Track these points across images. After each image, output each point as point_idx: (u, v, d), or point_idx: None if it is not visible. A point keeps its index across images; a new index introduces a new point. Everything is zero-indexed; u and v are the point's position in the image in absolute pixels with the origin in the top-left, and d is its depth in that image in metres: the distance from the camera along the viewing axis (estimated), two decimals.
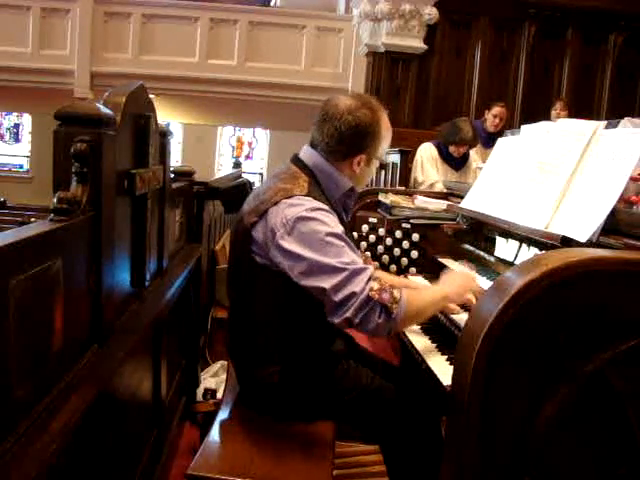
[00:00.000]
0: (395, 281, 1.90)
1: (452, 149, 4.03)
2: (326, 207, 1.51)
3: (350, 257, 1.43)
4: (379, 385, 1.65)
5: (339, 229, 1.47)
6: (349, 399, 1.62)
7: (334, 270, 1.40)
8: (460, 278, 1.73)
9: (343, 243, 1.45)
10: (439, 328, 1.82)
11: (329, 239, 1.43)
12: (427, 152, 4.19)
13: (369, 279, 1.41)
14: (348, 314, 1.39)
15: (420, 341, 1.77)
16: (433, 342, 1.76)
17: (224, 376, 2.54)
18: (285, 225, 1.46)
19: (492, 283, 1.12)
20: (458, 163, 4.11)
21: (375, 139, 1.59)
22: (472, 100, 6.40)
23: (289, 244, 1.45)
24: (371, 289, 1.38)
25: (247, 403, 1.69)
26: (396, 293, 1.41)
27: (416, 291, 1.61)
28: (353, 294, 1.38)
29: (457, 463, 1.06)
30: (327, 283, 1.40)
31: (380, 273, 1.94)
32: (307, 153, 1.63)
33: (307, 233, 1.44)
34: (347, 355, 1.74)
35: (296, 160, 1.64)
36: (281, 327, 1.59)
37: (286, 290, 1.52)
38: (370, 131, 1.57)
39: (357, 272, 1.40)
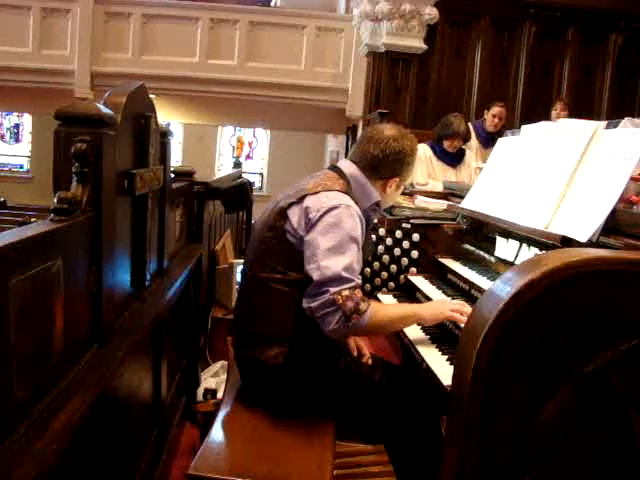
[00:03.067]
0: None
1: (447, 144, 4.03)
2: (359, 211, 1.63)
3: (350, 262, 1.53)
4: (380, 381, 1.67)
5: (360, 235, 1.59)
6: (351, 391, 1.64)
7: (327, 269, 1.50)
8: (441, 301, 1.90)
9: (356, 249, 1.56)
10: (440, 328, 1.82)
11: (346, 239, 1.54)
12: (419, 153, 4.17)
13: (348, 288, 1.50)
14: (313, 305, 1.51)
15: (420, 341, 1.77)
16: (433, 342, 1.76)
17: (224, 376, 2.54)
18: (319, 210, 1.57)
19: (492, 283, 1.12)
20: (454, 160, 4.11)
21: (410, 167, 1.79)
22: (472, 100, 6.40)
23: (313, 227, 1.56)
24: (339, 293, 1.49)
25: (249, 396, 1.69)
26: (362, 306, 1.51)
27: (386, 306, 1.77)
28: (326, 291, 1.50)
29: (457, 463, 1.06)
30: (316, 275, 1.51)
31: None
32: (346, 164, 1.77)
33: (332, 224, 1.55)
34: (350, 352, 1.75)
35: (334, 168, 1.77)
36: (295, 306, 1.60)
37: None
38: (408, 160, 1.76)
39: (344, 280, 1.50)
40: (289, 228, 1.60)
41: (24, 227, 1.16)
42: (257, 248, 1.70)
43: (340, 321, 1.49)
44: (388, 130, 1.76)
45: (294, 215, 1.60)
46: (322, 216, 1.55)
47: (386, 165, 1.73)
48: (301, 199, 1.61)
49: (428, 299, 2.06)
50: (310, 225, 1.56)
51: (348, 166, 1.75)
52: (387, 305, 1.70)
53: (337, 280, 1.49)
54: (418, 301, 2.19)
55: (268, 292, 1.63)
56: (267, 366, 1.61)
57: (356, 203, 1.66)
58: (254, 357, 1.65)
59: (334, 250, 1.52)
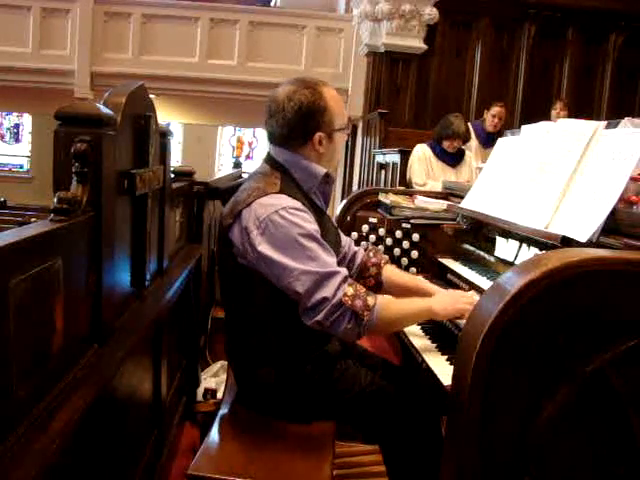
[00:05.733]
0: (407, 280, 1.89)
1: (446, 144, 4.05)
2: (299, 205, 1.51)
3: (322, 259, 1.45)
4: (378, 385, 1.65)
5: (313, 228, 1.48)
6: (348, 399, 1.62)
7: (305, 274, 1.42)
8: (451, 294, 1.72)
9: (315, 244, 1.46)
10: (439, 328, 1.82)
11: (301, 240, 1.45)
12: (418, 153, 4.21)
13: (341, 282, 1.44)
14: (318, 318, 1.43)
15: (420, 341, 1.77)
16: (433, 342, 1.76)
17: (224, 376, 2.54)
18: (258, 227, 1.47)
19: (492, 283, 1.12)
20: (454, 160, 4.12)
21: (324, 114, 1.57)
22: (472, 100, 6.41)
23: (262, 246, 1.46)
24: (345, 294, 1.42)
25: (246, 403, 1.69)
26: (370, 300, 1.44)
27: (396, 301, 1.59)
28: (324, 299, 1.42)
29: (457, 463, 1.06)
30: (299, 287, 1.42)
31: (394, 270, 1.91)
32: (274, 150, 1.64)
33: (278, 235, 1.45)
34: (345, 355, 1.74)
35: (269, 159, 1.65)
36: (274, 327, 1.58)
37: (273, 290, 1.51)
38: (315, 108, 1.55)
39: (328, 276, 1.43)
40: (237, 252, 1.53)
41: (24, 227, 1.16)
42: (221, 272, 1.66)
43: (352, 322, 1.43)
44: (282, 91, 1.57)
45: (236, 238, 1.52)
46: (264, 232, 1.45)
47: (298, 128, 1.56)
48: (237, 215, 1.51)
49: None
50: (256, 245, 1.46)
51: (278, 152, 1.61)
52: (394, 300, 1.57)
53: (322, 281, 1.42)
54: None
55: (243, 318, 1.61)
56: (259, 384, 1.61)
57: (301, 189, 1.58)
58: (246, 375, 1.65)
59: (300, 258, 1.43)
